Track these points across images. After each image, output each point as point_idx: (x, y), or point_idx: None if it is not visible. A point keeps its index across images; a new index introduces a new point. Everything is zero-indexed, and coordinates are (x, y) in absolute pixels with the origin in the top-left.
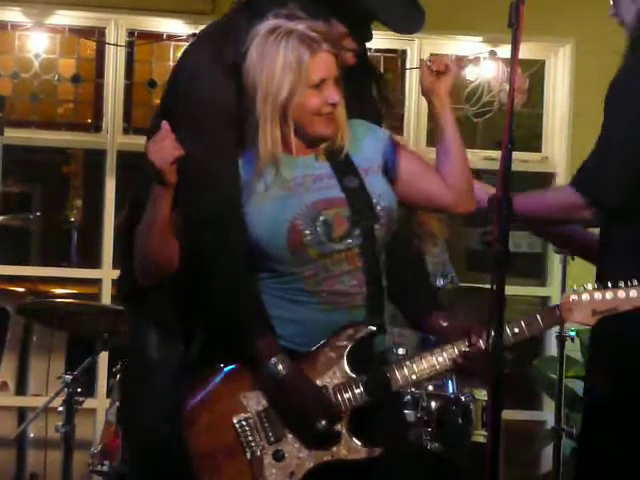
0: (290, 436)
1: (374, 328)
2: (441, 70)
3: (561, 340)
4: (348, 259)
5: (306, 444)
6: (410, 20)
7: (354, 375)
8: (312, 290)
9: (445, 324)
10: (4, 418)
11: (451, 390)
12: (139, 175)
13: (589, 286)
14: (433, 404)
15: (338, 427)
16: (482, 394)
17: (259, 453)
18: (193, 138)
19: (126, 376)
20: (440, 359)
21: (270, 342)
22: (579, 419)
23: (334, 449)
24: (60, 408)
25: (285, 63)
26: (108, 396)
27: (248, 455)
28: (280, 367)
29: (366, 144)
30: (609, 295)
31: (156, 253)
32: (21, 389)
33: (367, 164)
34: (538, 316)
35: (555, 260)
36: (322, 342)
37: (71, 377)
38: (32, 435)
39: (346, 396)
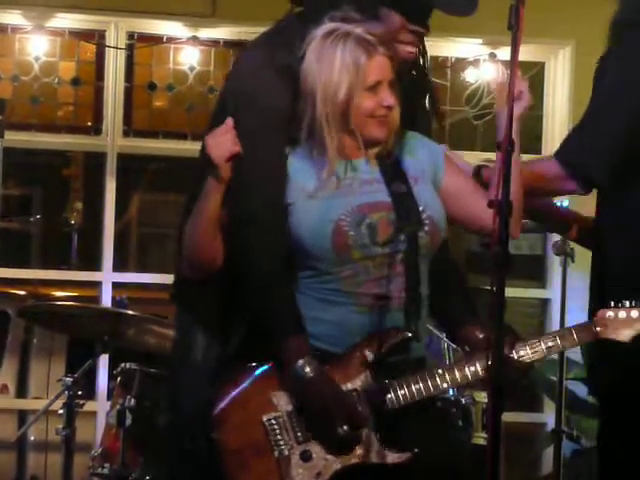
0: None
1: (410, 334)
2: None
3: None
4: (389, 264)
5: (327, 448)
6: (465, 3)
7: (386, 380)
8: (349, 291)
9: (481, 336)
10: (4, 421)
11: (451, 392)
12: (196, 180)
13: (626, 303)
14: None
15: (361, 433)
16: (482, 396)
17: (287, 452)
18: (244, 139)
19: (171, 376)
20: (472, 369)
21: (299, 343)
22: (579, 421)
23: (362, 452)
24: (60, 411)
25: (342, 65)
26: (108, 399)
27: (276, 454)
28: (307, 369)
29: (419, 154)
30: None
31: (202, 247)
32: (21, 392)
33: (417, 173)
34: (573, 330)
35: (555, 262)
36: (356, 344)
37: (71, 380)
38: (32, 438)
39: (376, 400)
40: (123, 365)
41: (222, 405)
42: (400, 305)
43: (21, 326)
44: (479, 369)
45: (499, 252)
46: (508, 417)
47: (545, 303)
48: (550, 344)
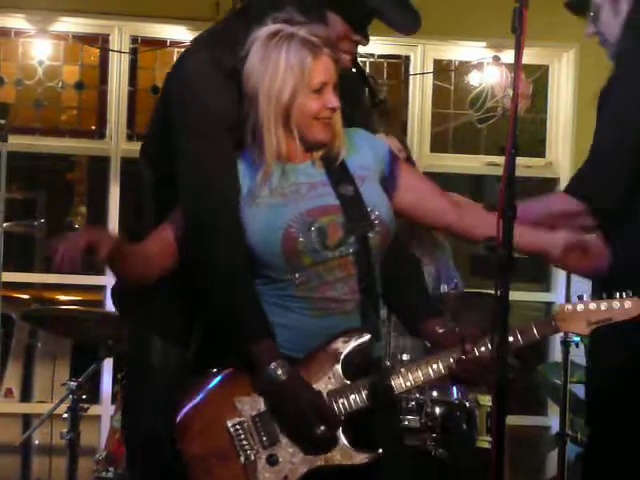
0: (284, 441)
1: (369, 335)
2: None
3: (565, 346)
4: (342, 266)
5: (303, 449)
6: (410, 20)
7: (349, 381)
8: (304, 296)
9: (441, 330)
10: (9, 425)
11: (455, 396)
12: (137, 183)
13: (584, 297)
14: (437, 410)
15: (335, 433)
16: (486, 400)
17: (253, 457)
18: (191, 142)
19: (127, 383)
20: (435, 367)
21: (269, 346)
22: (583, 424)
23: (328, 454)
24: (65, 415)
25: (287, 66)
26: (113, 403)
27: (242, 459)
28: (279, 372)
29: (363, 152)
30: (604, 305)
31: (138, 277)
32: (26, 396)
33: (363, 172)
34: (533, 325)
35: None
36: (317, 348)
37: (76, 384)
38: (37, 442)
39: (341, 401)
40: (124, 369)
41: (185, 412)
42: (355, 307)
43: (25, 330)
44: (441, 367)
45: (503, 255)
46: (512, 420)
47: (549, 306)
48: (511, 339)
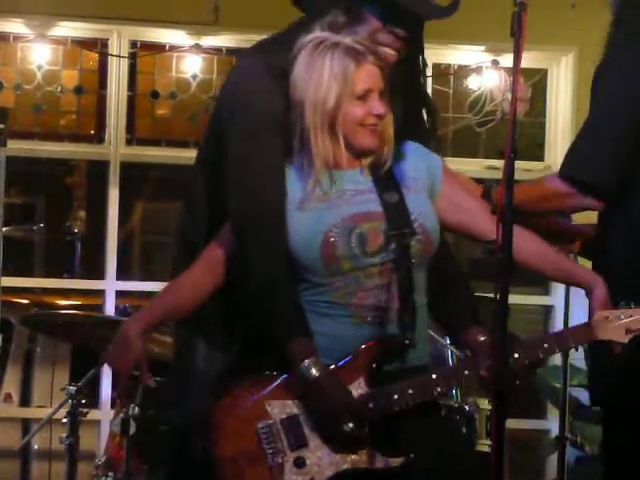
0: (312, 444)
1: (405, 342)
2: None
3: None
4: (381, 273)
5: (331, 448)
6: (435, 7)
7: (379, 386)
8: (341, 303)
9: (482, 339)
10: (8, 429)
11: (455, 399)
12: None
13: (622, 304)
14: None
15: (366, 432)
16: (486, 403)
17: (280, 460)
18: (241, 144)
19: (168, 384)
20: (467, 373)
21: (305, 344)
22: (583, 427)
23: (354, 457)
24: (64, 419)
25: (331, 74)
26: (112, 407)
27: (269, 461)
28: (313, 370)
29: (414, 163)
30: None
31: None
32: (25, 400)
33: (411, 182)
34: (569, 332)
35: None
36: (353, 352)
37: (75, 388)
38: (36, 446)
39: (370, 405)
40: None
41: (218, 414)
42: (394, 315)
43: (25, 335)
44: (472, 374)
45: (503, 259)
46: (512, 424)
47: (548, 310)
48: (546, 346)
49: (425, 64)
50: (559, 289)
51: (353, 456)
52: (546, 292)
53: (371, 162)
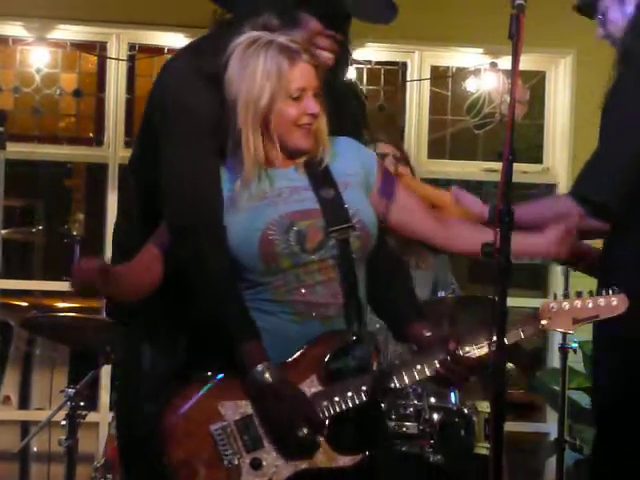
0: (268, 444)
1: (353, 337)
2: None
3: (564, 352)
4: (322, 270)
5: (285, 453)
6: (382, 12)
7: (332, 383)
8: (283, 300)
9: (427, 334)
10: (7, 432)
11: (453, 402)
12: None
13: (569, 294)
14: (435, 416)
15: (318, 437)
16: (485, 406)
17: (236, 461)
18: (175, 149)
19: (118, 389)
20: (419, 368)
21: (256, 348)
22: (582, 430)
23: (312, 457)
24: (63, 422)
25: (264, 72)
26: (111, 410)
27: (225, 463)
28: (266, 375)
29: (349, 159)
30: (590, 303)
31: (127, 297)
32: (24, 403)
33: (347, 178)
34: (518, 324)
35: (557, 271)
36: (300, 351)
37: (74, 391)
38: (35, 449)
39: (324, 404)
40: (117, 376)
41: (170, 417)
42: (338, 311)
43: (23, 337)
44: (426, 368)
45: (500, 261)
46: (511, 427)
47: None
48: (494, 339)
49: (350, 55)
50: (558, 291)
51: (309, 457)
52: (544, 294)
53: (306, 160)
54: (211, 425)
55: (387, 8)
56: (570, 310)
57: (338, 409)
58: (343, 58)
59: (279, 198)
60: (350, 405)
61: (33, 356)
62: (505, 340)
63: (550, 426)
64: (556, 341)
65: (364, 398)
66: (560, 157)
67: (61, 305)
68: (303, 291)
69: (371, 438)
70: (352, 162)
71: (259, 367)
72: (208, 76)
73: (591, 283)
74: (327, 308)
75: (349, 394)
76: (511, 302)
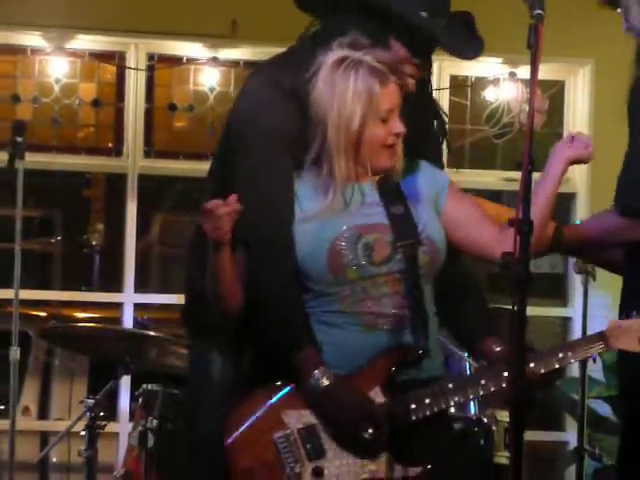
0: (330, 453)
1: (420, 350)
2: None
3: (583, 361)
4: (388, 283)
5: (351, 456)
6: (469, 46)
7: (396, 396)
8: (349, 311)
9: (498, 349)
10: (27, 442)
11: (473, 411)
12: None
13: (634, 314)
14: (455, 426)
15: (385, 437)
16: (504, 415)
17: (298, 470)
18: (250, 163)
19: (188, 396)
20: (483, 383)
21: (312, 354)
22: (601, 439)
23: (373, 467)
24: (82, 432)
25: (356, 93)
26: (130, 420)
27: (287, 471)
28: (324, 379)
29: (421, 179)
30: None
31: (227, 300)
32: (43, 413)
33: (418, 195)
34: (584, 342)
35: (576, 281)
36: (366, 362)
37: (93, 401)
38: (54, 459)
39: (387, 415)
40: (145, 386)
41: (233, 423)
42: (403, 324)
43: (42, 348)
44: (490, 384)
45: (520, 271)
46: (530, 436)
47: (566, 322)
48: (561, 356)
49: (431, 75)
50: (577, 301)
51: (371, 466)
52: (564, 304)
53: (381, 176)
54: (274, 433)
55: (473, 41)
56: (637, 329)
57: (400, 420)
58: (426, 76)
59: (349, 211)
60: (413, 418)
61: (52, 366)
62: (572, 359)
63: (569, 435)
64: None
65: (427, 411)
66: (579, 166)
67: (80, 315)
68: (369, 303)
69: (434, 451)
70: (424, 181)
71: (315, 373)
72: (286, 92)
73: (611, 292)
74: (394, 320)
75: (413, 406)
76: (531, 312)
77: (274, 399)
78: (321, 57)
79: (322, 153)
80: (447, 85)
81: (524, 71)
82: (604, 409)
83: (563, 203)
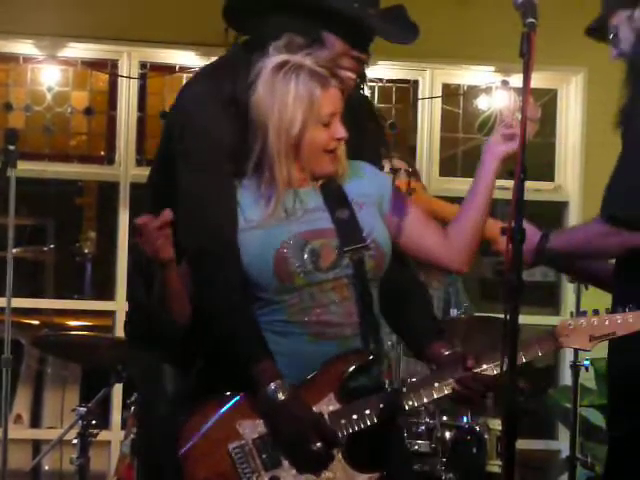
0: (286, 463)
1: (370, 356)
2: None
3: (575, 369)
4: (336, 289)
5: (301, 469)
6: (405, 30)
7: (350, 402)
8: (298, 320)
9: (446, 353)
10: (19, 451)
11: (465, 420)
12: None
13: (586, 312)
14: (447, 434)
15: (333, 451)
16: (496, 424)
17: None
18: (190, 170)
19: (140, 411)
20: (437, 386)
21: (268, 367)
22: (594, 448)
23: (329, 474)
24: (75, 440)
25: (296, 98)
26: (122, 428)
27: None
28: (279, 393)
29: (364, 182)
30: (607, 320)
31: (175, 313)
32: (35, 421)
33: (362, 199)
34: (535, 341)
35: (569, 289)
36: (317, 370)
37: (85, 409)
38: (47, 467)
39: (342, 422)
40: (137, 394)
41: (188, 437)
42: (353, 330)
43: (35, 356)
44: (444, 386)
45: (512, 279)
46: (522, 444)
47: None
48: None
49: (365, 75)
50: (569, 309)
51: (328, 473)
52: (556, 312)
53: (323, 181)
54: (229, 444)
55: (409, 28)
56: (587, 328)
57: (356, 427)
58: (361, 76)
59: (294, 217)
60: (368, 423)
61: (44, 375)
62: (523, 358)
63: (562, 444)
64: (568, 359)
65: (381, 416)
66: (572, 174)
67: (72, 323)
68: (318, 311)
69: (389, 457)
70: (367, 183)
71: (272, 385)
72: (225, 99)
73: (603, 300)
74: (342, 328)
75: (367, 412)
76: (524, 320)
77: (225, 408)
78: (260, 62)
79: (263, 158)
80: (439, 93)
81: (516, 79)
82: (596, 418)
83: (556, 211)
